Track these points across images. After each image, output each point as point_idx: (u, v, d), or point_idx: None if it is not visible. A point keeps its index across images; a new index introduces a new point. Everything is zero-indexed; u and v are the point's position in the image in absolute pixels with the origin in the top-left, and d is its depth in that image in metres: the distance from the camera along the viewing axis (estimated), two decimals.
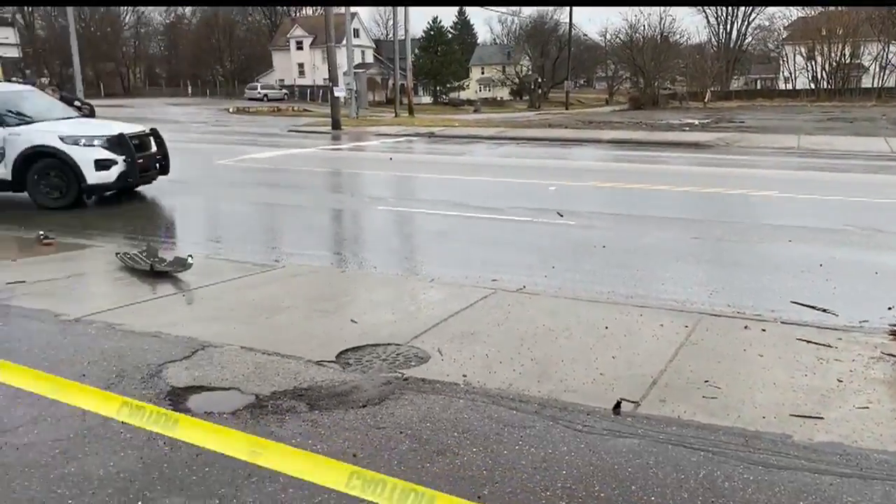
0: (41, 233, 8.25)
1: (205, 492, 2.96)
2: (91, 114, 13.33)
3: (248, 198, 12.09)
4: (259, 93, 67.55)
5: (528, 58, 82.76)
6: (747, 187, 12.61)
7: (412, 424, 3.58)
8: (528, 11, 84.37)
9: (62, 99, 13.41)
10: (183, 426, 2.16)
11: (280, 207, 11.47)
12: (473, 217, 10.12)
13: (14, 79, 28.39)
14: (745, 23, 76.58)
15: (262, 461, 2.06)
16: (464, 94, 77.07)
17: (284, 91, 69.99)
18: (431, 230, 9.59)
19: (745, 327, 5.13)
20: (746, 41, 78.65)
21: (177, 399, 3.84)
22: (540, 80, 76.42)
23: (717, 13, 76.13)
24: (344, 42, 38.28)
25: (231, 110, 48.21)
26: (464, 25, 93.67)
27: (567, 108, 56.34)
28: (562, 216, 9.97)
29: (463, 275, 6.89)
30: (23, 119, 10.87)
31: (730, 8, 73.93)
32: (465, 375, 4.22)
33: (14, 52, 37.21)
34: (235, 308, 5.62)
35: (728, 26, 77.02)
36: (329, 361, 4.46)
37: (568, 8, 60.72)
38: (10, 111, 10.88)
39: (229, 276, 6.66)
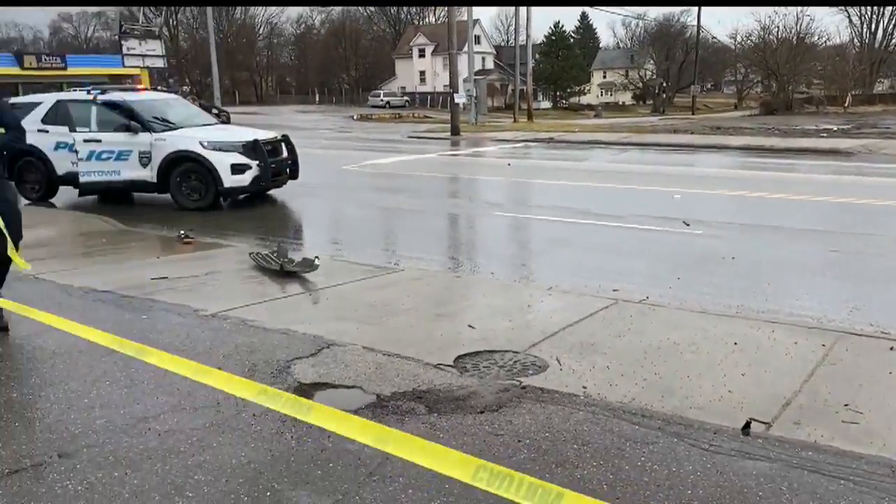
0: (182, 232, 8.81)
1: (328, 487, 3.06)
2: (227, 121, 14.15)
3: (369, 202, 12.43)
4: (381, 100, 69.42)
5: (652, 61, 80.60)
6: (892, 198, 11.70)
7: (530, 434, 3.55)
8: (654, 14, 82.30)
9: (201, 107, 14.29)
10: (316, 413, 2.24)
11: (399, 211, 11.73)
12: (594, 224, 9.95)
13: (159, 88, 30.56)
14: (893, 22, 71.18)
15: (390, 449, 2.11)
16: (584, 99, 76.06)
17: (406, 98, 71.56)
18: (550, 237, 9.51)
19: (891, 349, 4.76)
20: (894, 41, 73.02)
21: (303, 394, 3.98)
22: (664, 84, 74.28)
23: (859, 12, 71.18)
24: (465, 49, 38.70)
25: (355, 117, 49.79)
26: (586, 30, 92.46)
27: (693, 113, 54.43)
28: (688, 225, 9.62)
29: (582, 284, 6.78)
30: (168, 126, 11.66)
31: (874, 7, 68.90)
32: (584, 387, 4.15)
33: (160, 63, 39.94)
34: (358, 309, 5.78)
35: (872, 26, 71.89)
36: (447, 365, 4.50)
37: (696, 9, 58.61)
38: (156, 118, 11.71)
39: (352, 277, 6.86)
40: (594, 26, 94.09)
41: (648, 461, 3.29)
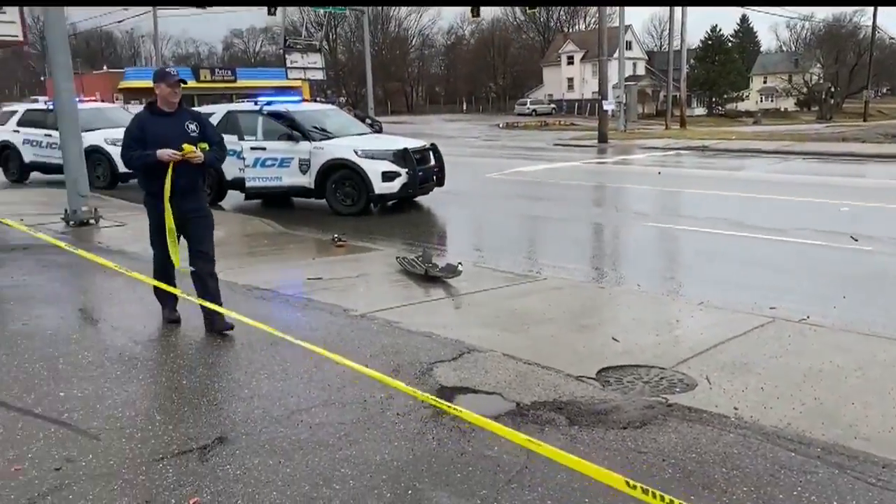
0: (335, 236, 9.24)
1: (467, 490, 3.10)
2: (380, 130, 14.69)
3: (512, 209, 12.46)
4: (528, 108, 69.43)
5: (818, 65, 75.19)
6: None
7: (676, 453, 3.42)
8: (822, 15, 76.74)
9: (355, 116, 14.93)
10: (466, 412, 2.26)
11: (542, 220, 11.67)
12: (750, 237, 9.42)
13: (318, 98, 32.28)
14: None
15: (539, 449, 2.10)
16: (742, 106, 72.16)
17: (552, 106, 71.15)
18: (701, 249, 9.10)
19: None
20: None
21: (445, 398, 4.06)
22: (832, 88, 69.01)
23: None
24: (615, 55, 37.94)
25: (501, 125, 50.12)
26: (745, 33, 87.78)
27: (865, 120, 50.18)
28: (856, 240, 8.89)
29: (735, 300, 6.43)
30: (325, 135, 12.28)
31: None
32: (735, 408, 3.94)
33: (319, 75, 42.17)
34: (499, 316, 5.81)
35: None
36: (589, 378, 4.42)
37: (870, 9, 54.06)
38: (315, 128, 12.36)
39: (494, 284, 6.91)
40: (755, 29, 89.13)
41: (805, 491, 3.07)
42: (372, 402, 3.97)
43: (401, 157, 11.77)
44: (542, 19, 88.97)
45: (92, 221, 10.18)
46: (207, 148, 5.13)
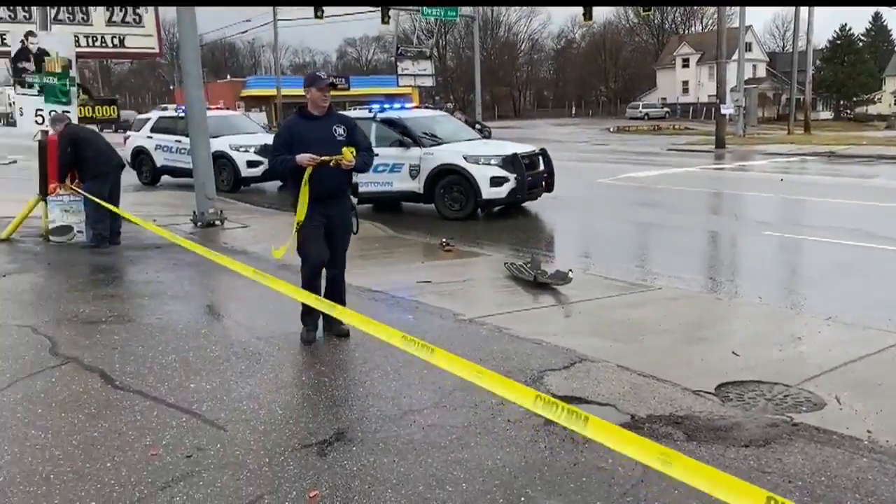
0: (443, 240, 9.35)
1: (580, 501, 3.06)
2: (489, 136, 14.75)
3: (622, 216, 12.21)
4: (640, 112, 67.81)
5: None
6: None
7: (803, 475, 3.25)
8: None
9: (465, 122, 15.06)
10: (592, 426, 2.24)
11: (653, 227, 11.36)
12: (883, 249, 8.82)
13: (426, 104, 32.80)
14: None
15: (673, 472, 2.05)
16: (874, 109, 67.64)
17: (666, 109, 69.18)
18: (827, 261, 8.60)
19: None
20: None
21: None
22: None
23: None
24: (734, 57, 36.46)
25: (611, 129, 49.21)
26: (879, 31, 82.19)
27: None
28: None
29: (868, 315, 6.03)
30: (435, 140, 12.46)
31: None
32: (869, 431, 3.69)
33: (429, 82, 42.85)
34: (611, 325, 5.71)
35: None
36: (707, 392, 4.27)
37: None
38: (425, 133, 12.56)
39: (605, 292, 6.79)
40: (888, 27, 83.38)
41: None
42: (483, 406, 3.99)
43: (509, 162, 11.77)
44: (656, 21, 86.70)
45: (217, 223, 10.75)
46: (355, 152, 5.02)
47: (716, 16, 36.69)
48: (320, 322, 5.40)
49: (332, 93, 5.34)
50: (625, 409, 4.03)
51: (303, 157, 4.91)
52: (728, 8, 36.54)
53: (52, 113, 9.35)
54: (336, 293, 5.39)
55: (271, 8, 46.00)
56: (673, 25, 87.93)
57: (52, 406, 4.12)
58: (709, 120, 51.42)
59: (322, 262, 5.22)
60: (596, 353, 4.94)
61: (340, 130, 5.14)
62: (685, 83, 76.19)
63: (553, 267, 7.60)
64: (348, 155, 4.91)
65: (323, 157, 4.91)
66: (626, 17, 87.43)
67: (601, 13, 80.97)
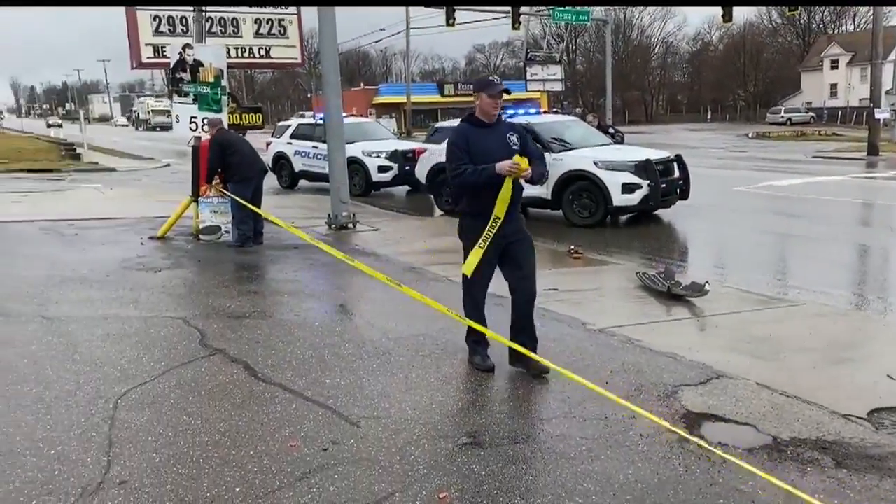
0: (572, 247, 9.23)
1: None
2: (622, 141, 14.41)
3: (760, 226, 11.58)
4: (782, 116, 64.13)
5: None
6: None
7: None
8: None
9: (598, 126, 14.78)
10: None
11: (795, 238, 10.71)
12: None
13: (555, 109, 32.49)
14: None
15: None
16: None
17: (811, 114, 65.07)
18: None
19: None
20: None
21: (692, 424, 3.89)
22: None
23: None
24: (891, 57, 33.82)
25: (750, 135, 46.82)
26: None
27: None
28: None
29: None
30: (564, 146, 12.33)
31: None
32: None
33: (558, 87, 42.48)
34: (750, 341, 5.43)
35: None
36: (859, 417, 3.98)
37: None
38: (555, 139, 12.46)
39: (742, 306, 6.47)
40: None
41: None
42: (613, 419, 3.91)
43: (642, 168, 11.47)
44: (802, 21, 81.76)
45: (350, 226, 11.14)
46: (528, 162, 4.49)
47: (870, 14, 34.18)
48: (488, 349, 4.84)
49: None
50: (766, 429, 3.82)
51: (503, 165, 4.38)
52: (885, 7, 33.88)
53: (206, 119, 10.04)
54: (528, 328, 4.78)
55: (404, 17, 47.23)
56: (821, 25, 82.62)
57: (201, 394, 4.41)
58: (859, 125, 47.91)
59: (484, 291, 4.74)
60: (734, 370, 4.72)
61: (514, 139, 4.68)
62: (833, 86, 71.33)
63: (687, 278, 7.34)
64: (525, 164, 4.41)
65: (514, 169, 4.39)
66: (769, 17, 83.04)
67: (741, 14, 77.40)
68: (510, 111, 13.36)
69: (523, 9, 33.20)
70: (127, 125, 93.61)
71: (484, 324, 4.71)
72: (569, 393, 4.30)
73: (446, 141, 4.90)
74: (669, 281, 6.97)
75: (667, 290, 6.81)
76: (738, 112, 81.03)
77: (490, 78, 4.75)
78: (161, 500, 3.18)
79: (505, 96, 4.65)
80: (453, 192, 4.79)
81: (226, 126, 10.18)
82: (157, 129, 71.55)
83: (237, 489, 3.27)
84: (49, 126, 57.81)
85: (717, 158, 26.93)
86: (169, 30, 11.04)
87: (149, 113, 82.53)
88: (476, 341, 4.80)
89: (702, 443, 3.50)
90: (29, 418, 4.04)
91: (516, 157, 4.40)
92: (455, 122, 14.69)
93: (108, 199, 15.43)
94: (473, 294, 4.76)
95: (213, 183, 9.84)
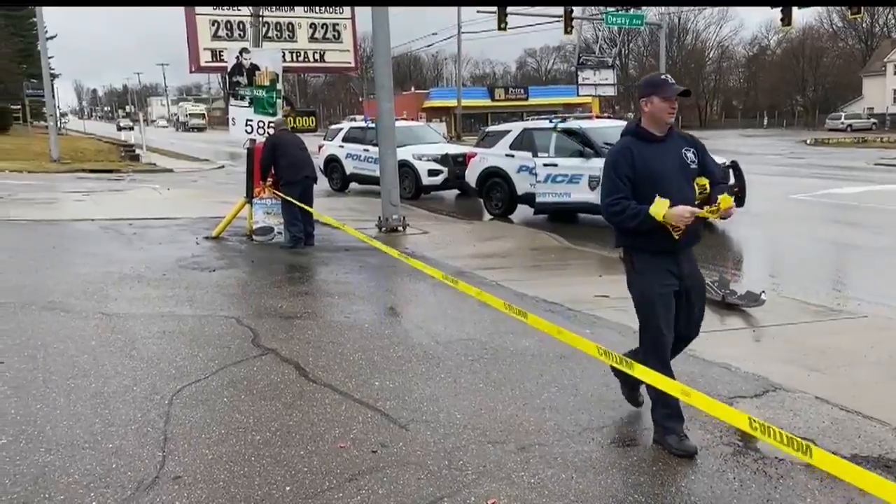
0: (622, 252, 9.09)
1: None
2: None
3: (820, 235, 11.25)
4: (842, 123, 62.27)
5: None
6: None
7: None
8: None
9: None
10: (817, 456, 2.08)
11: (855, 248, 10.36)
12: None
13: (606, 114, 32.20)
14: None
15: None
16: None
17: (873, 120, 63.05)
18: None
19: None
20: None
21: (747, 437, 3.79)
22: None
23: None
24: None
25: (808, 142, 45.62)
26: None
27: None
28: None
29: None
30: None
31: None
32: None
33: (610, 91, 42.03)
34: (808, 353, 5.28)
35: None
36: None
37: None
38: (607, 144, 12.29)
39: (800, 317, 6.30)
40: None
41: None
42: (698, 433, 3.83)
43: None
44: (864, 25, 79.34)
45: (400, 229, 11.21)
46: (708, 186, 3.68)
47: None
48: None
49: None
50: (825, 445, 3.70)
51: (681, 213, 3.43)
52: None
53: (271, 122, 10.24)
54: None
55: (456, 21, 47.37)
56: (884, 29, 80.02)
57: (253, 393, 4.48)
58: None
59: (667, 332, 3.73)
60: (791, 382, 4.59)
61: (691, 155, 3.71)
62: None
63: (742, 287, 7.16)
64: (728, 201, 3.48)
65: (703, 211, 3.53)
66: (829, 20, 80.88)
67: (800, 18, 75.47)
68: (559, 117, 13.29)
69: (576, 13, 33.00)
70: (167, 126, 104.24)
71: (668, 371, 3.62)
72: (620, 402, 4.23)
73: (607, 161, 3.77)
74: (724, 290, 6.82)
75: (721, 300, 6.66)
76: (795, 118, 79.02)
77: (662, 76, 3.73)
78: (213, 496, 3.23)
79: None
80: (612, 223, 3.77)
81: (288, 129, 10.33)
82: (193, 130, 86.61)
83: (287, 488, 3.30)
84: (120, 129, 60.31)
85: (775, 165, 26.29)
86: (227, 34, 11.29)
87: (186, 116, 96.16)
88: (669, 415, 3.65)
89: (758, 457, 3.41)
90: (88, 412, 4.16)
91: (722, 199, 3.47)
92: (507, 126, 14.78)
93: (165, 199, 15.85)
94: (660, 350, 3.70)
95: (267, 184, 10.01)
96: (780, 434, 2.13)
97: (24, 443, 3.75)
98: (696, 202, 3.60)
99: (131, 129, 53.93)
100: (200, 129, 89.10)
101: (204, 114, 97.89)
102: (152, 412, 4.16)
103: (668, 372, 3.52)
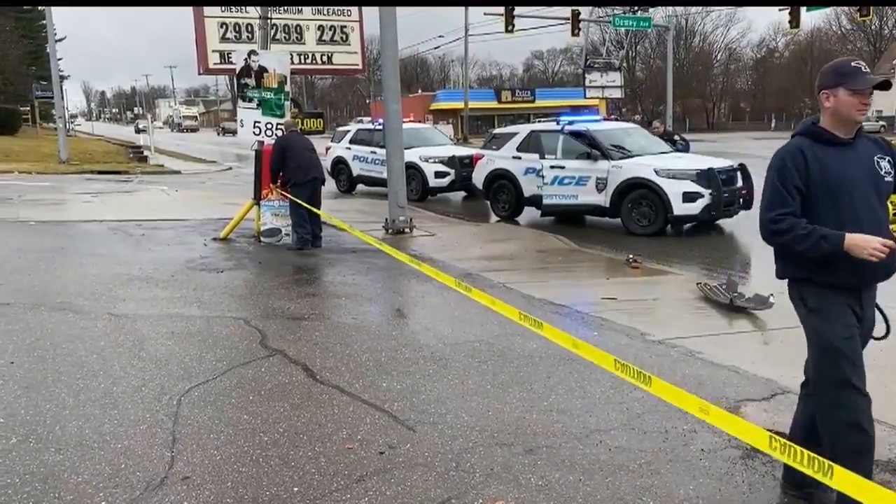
0: (630, 256, 9.09)
1: None
2: (686, 149, 14.13)
3: None
4: None
5: None
6: None
7: None
8: None
9: (664, 134, 14.51)
10: (838, 477, 1.98)
11: None
12: None
13: (613, 117, 32.13)
14: None
15: None
16: None
17: (881, 123, 62.87)
18: None
19: None
20: None
21: None
22: None
23: None
24: None
25: None
26: None
27: None
28: None
29: None
30: (625, 153, 12.17)
31: None
32: None
33: (617, 94, 42.02)
34: None
35: None
36: None
37: None
38: (614, 146, 12.31)
39: None
40: None
41: None
42: (674, 433, 3.83)
43: (704, 177, 11.23)
44: (873, 26, 79.07)
45: (407, 230, 11.22)
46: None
47: None
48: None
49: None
50: None
51: (866, 243, 2.72)
52: None
53: (280, 125, 10.28)
54: (816, 434, 3.09)
55: (463, 24, 47.42)
56: (893, 31, 79.76)
57: (261, 394, 4.49)
58: None
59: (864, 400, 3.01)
60: (799, 385, 4.56)
61: (885, 164, 2.97)
62: None
63: (750, 290, 7.14)
64: None
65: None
66: (838, 23, 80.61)
67: (808, 20, 75.19)
68: (566, 119, 13.28)
69: (583, 15, 32.98)
70: (163, 128, 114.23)
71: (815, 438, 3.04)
72: (628, 404, 4.23)
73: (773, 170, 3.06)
74: (732, 293, 6.80)
75: (729, 303, 6.65)
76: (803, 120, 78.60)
77: (853, 63, 2.93)
78: (222, 497, 3.24)
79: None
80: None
81: (297, 130, 10.36)
82: (186, 130, 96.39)
83: (295, 489, 3.31)
84: (138, 132, 60.46)
85: None
86: (235, 36, 11.34)
87: (181, 118, 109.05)
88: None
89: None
90: (97, 412, 4.18)
91: (894, 197, 2.87)
92: (514, 128, 14.80)
93: (173, 200, 15.91)
94: (855, 408, 2.95)
95: (275, 185, 10.04)
96: (801, 453, 2.07)
97: (34, 442, 3.77)
98: (891, 225, 2.91)
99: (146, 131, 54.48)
100: (193, 129, 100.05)
101: (196, 116, 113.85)
102: (161, 413, 4.18)
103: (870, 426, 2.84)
